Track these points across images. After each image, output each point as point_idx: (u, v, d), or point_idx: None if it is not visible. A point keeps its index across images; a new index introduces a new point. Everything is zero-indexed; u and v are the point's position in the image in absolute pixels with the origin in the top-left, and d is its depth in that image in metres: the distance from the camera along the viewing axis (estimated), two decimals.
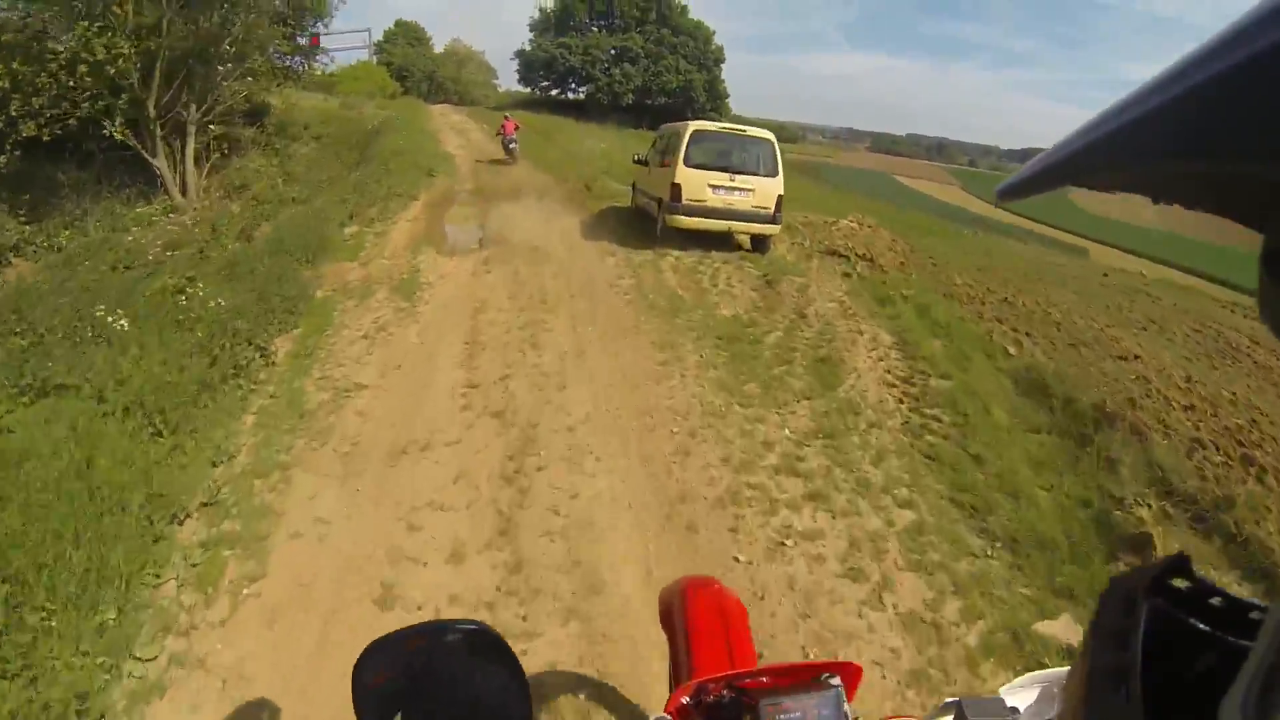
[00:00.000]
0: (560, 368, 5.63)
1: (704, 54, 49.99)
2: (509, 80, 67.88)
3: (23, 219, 10.22)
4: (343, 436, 4.55)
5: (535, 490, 4.03)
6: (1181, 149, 0.23)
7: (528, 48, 52.46)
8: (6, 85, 9.02)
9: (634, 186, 12.48)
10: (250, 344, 5.97)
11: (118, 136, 10.09)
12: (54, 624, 2.89)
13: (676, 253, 9.28)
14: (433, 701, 0.84)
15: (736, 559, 3.60)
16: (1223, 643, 0.41)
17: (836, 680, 0.99)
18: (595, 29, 50.24)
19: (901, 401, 5.48)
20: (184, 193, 11.69)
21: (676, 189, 9.24)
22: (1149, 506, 4.24)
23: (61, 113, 9.35)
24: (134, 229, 10.31)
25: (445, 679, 0.85)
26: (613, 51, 49.15)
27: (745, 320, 6.93)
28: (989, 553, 3.80)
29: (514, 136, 19.50)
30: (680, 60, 48.62)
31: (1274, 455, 5.03)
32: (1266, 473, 4.72)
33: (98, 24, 9.16)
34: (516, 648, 0.88)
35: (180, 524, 3.80)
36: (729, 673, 1.04)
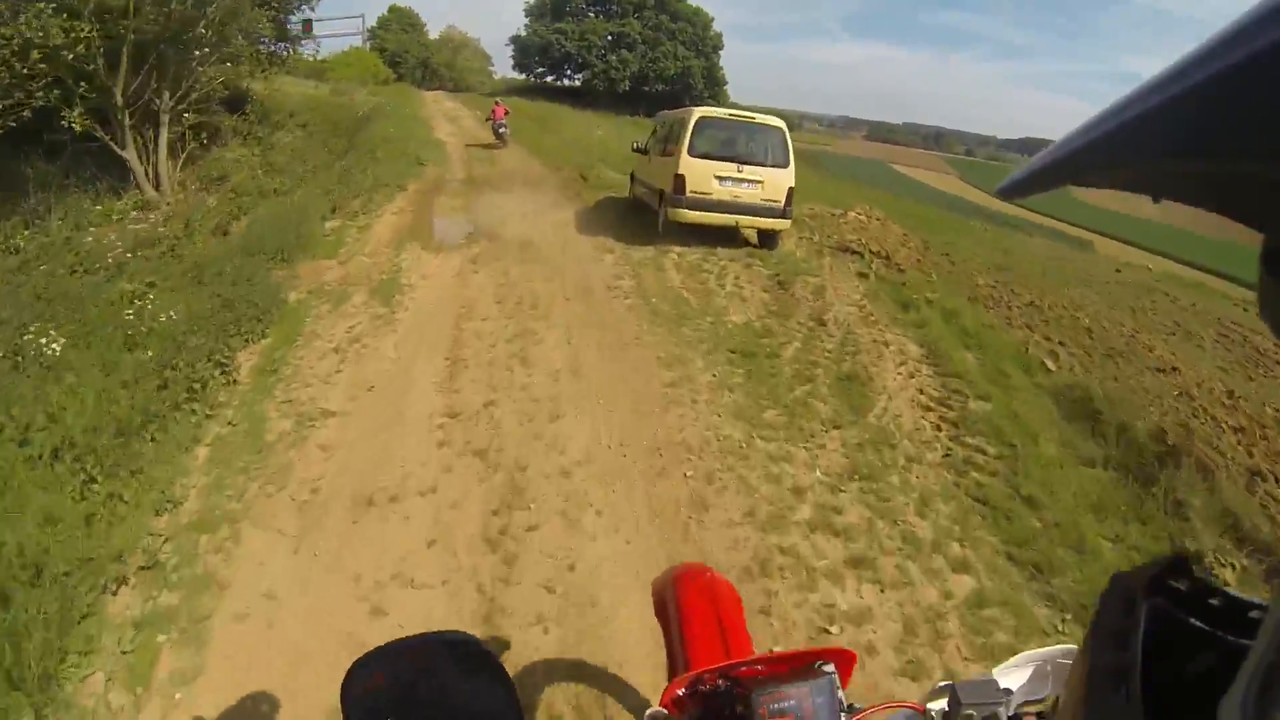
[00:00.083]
0: (553, 390, 4.99)
1: (702, 40, 49.06)
2: (504, 67, 67.04)
3: None
4: (302, 479, 3.94)
5: (525, 559, 3.38)
6: (1182, 148, 0.23)
7: (523, 33, 51.49)
8: None
9: (632, 176, 11.82)
10: (210, 359, 5.36)
11: (77, 127, 9.37)
12: None
13: (679, 249, 8.65)
14: (422, 713, 0.82)
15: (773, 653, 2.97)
16: (1223, 642, 0.42)
17: (830, 667, 0.99)
18: (592, 14, 49.24)
19: (939, 429, 4.87)
20: (157, 186, 10.97)
21: (680, 180, 8.59)
22: (1233, 567, 3.67)
23: (15, 103, 8.63)
24: (100, 226, 9.61)
25: (433, 692, 0.83)
26: (610, 37, 48.19)
27: (759, 329, 6.30)
28: (1059, 626, 3.20)
29: (504, 121, 19.66)
30: (679, 46, 47.70)
31: None
32: None
33: (52, 4, 8.44)
34: None
35: (114, 594, 3.20)
36: (724, 664, 1.04)
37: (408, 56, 54.96)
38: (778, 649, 2.78)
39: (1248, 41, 0.20)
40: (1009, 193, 0.34)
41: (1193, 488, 4.21)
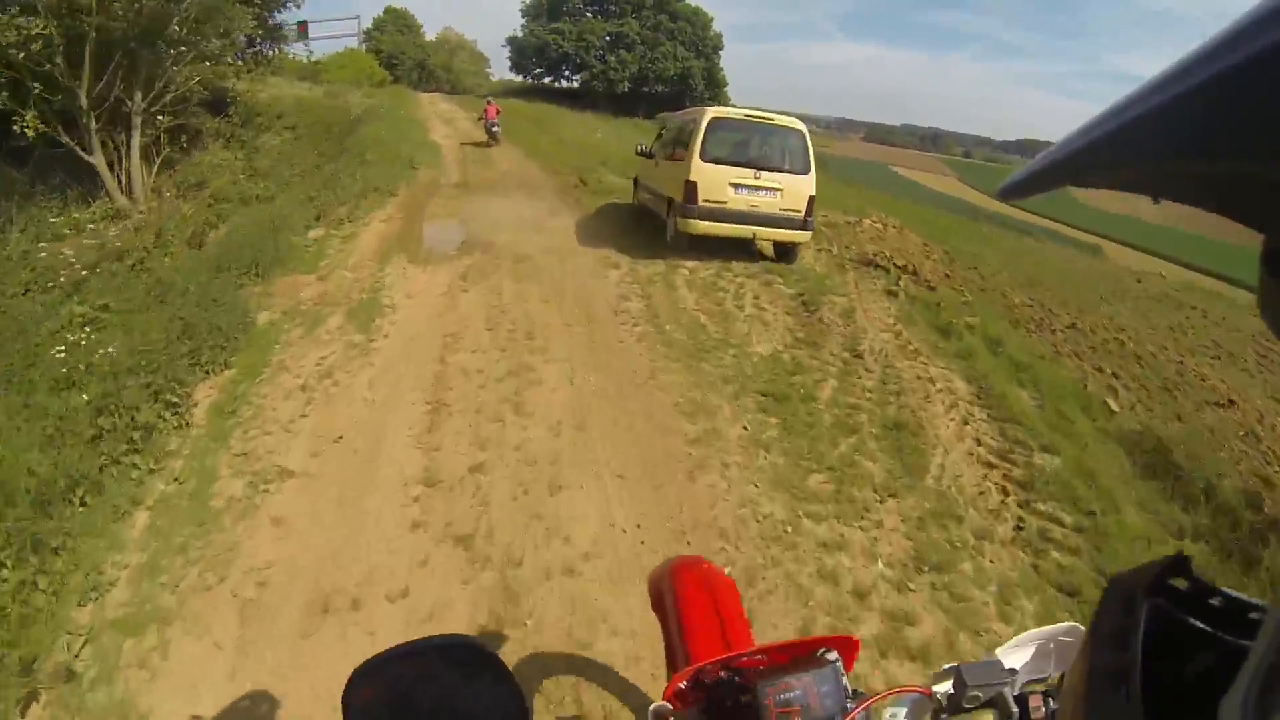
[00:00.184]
0: (553, 449, 4.18)
1: (702, 40, 48.27)
2: (501, 69, 66.43)
3: None
4: (248, 566, 3.21)
5: None
6: (1182, 148, 0.23)
7: (520, 34, 50.70)
8: None
9: (636, 182, 11.08)
10: (159, 399, 4.65)
11: (29, 133, 8.63)
12: None
13: (691, 264, 7.93)
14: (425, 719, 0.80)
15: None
16: (1223, 643, 0.42)
17: (834, 655, 0.98)
18: (589, 14, 48.43)
19: (1006, 492, 4.14)
20: (130, 193, 10.24)
21: (691, 188, 7.86)
22: None
23: None
24: (65, 239, 8.86)
25: (435, 698, 0.81)
26: (608, 38, 47.39)
27: (789, 363, 5.55)
28: None
29: (496, 120, 19.89)
30: (678, 47, 46.91)
31: None
32: None
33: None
34: None
35: (22, 713, 2.53)
36: (725, 655, 1.02)
37: (404, 58, 54.33)
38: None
39: (1248, 42, 0.20)
40: (1009, 193, 0.34)
41: None
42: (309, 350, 5.45)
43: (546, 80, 52.10)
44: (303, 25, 24.43)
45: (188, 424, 4.61)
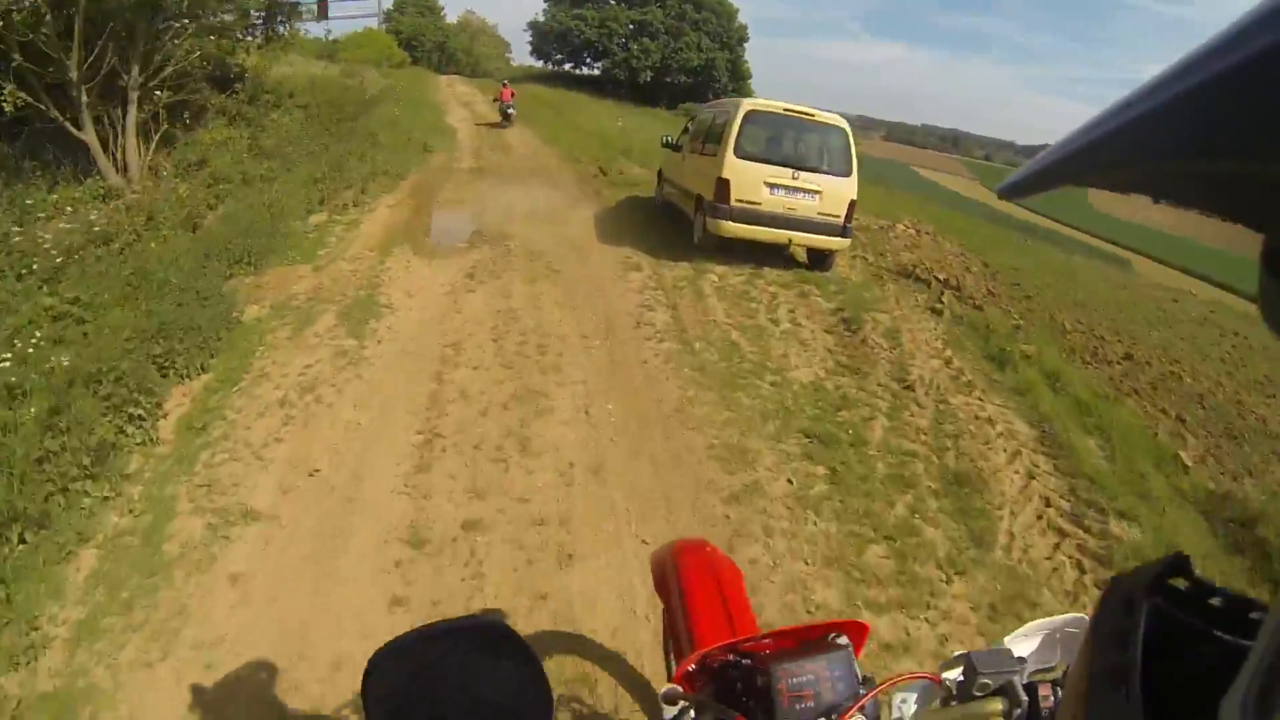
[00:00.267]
0: (564, 504, 3.49)
1: (727, 32, 47.34)
2: (522, 54, 65.75)
3: None
4: (197, 640, 2.62)
5: None
6: (1182, 149, 0.23)
7: (541, 19, 49.89)
8: None
9: (660, 175, 10.43)
10: (120, 412, 4.08)
11: (7, 107, 8.03)
12: None
13: (719, 268, 7.29)
14: (446, 703, 0.78)
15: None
16: (1223, 643, 0.42)
17: (845, 640, 0.98)
18: (613, 1, 47.59)
19: (1082, 569, 3.46)
20: (124, 171, 9.66)
21: (723, 186, 7.22)
22: None
23: None
24: (52, 219, 8.29)
25: (459, 679, 0.79)
26: (631, 26, 46.51)
27: (833, 393, 4.90)
28: None
29: (510, 103, 20.48)
30: (702, 37, 45.98)
31: None
32: None
33: None
34: None
35: None
36: (736, 639, 1.02)
37: (424, 40, 53.89)
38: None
39: (1248, 42, 0.20)
40: (1011, 193, 0.34)
41: None
42: (294, 356, 4.86)
43: (568, 67, 51.37)
44: (323, 3, 23.92)
45: (152, 440, 4.06)
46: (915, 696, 0.99)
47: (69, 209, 8.05)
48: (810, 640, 1.00)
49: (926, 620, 2.99)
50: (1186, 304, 14.28)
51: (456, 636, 0.83)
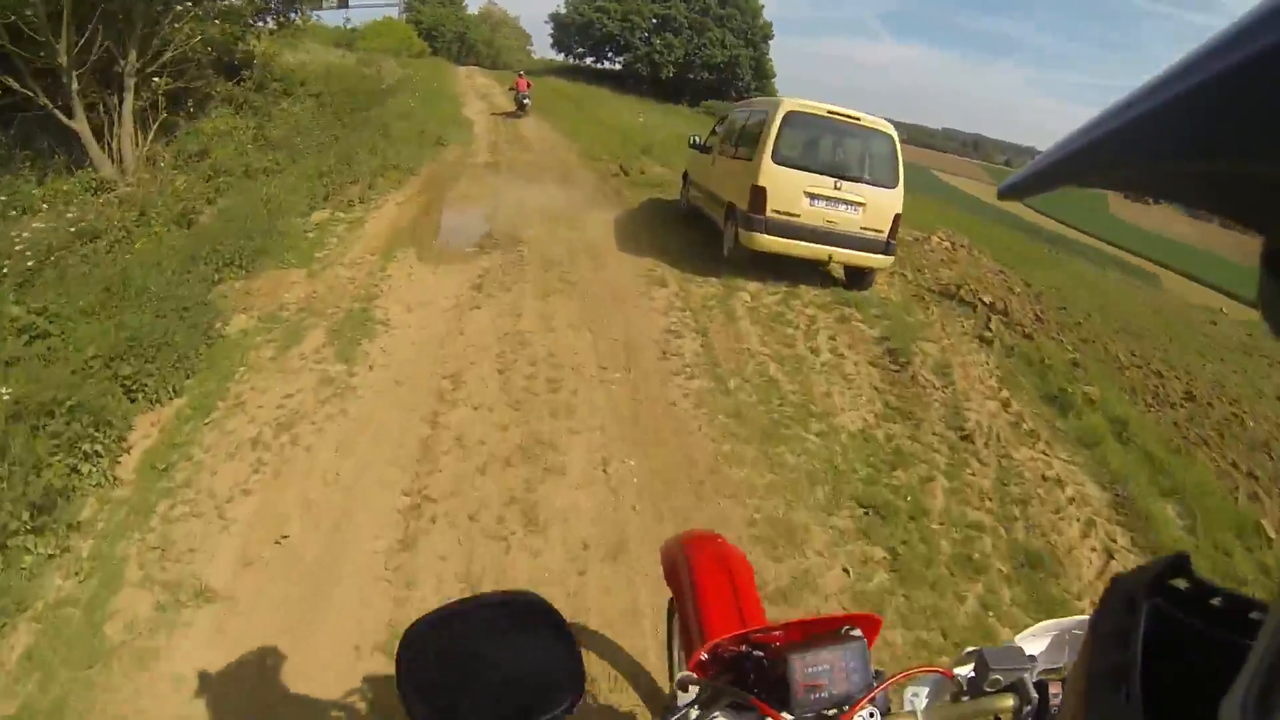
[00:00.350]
0: (576, 601, 2.83)
1: (751, 29, 46.40)
2: (543, 46, 65.17)
3: None
4: None
5: None
6: (1183, 149, 0.23)
7: (563, 10, 49.18)
8: None
9: (686, 178, 9.78)
10: (74, 450, 3.54)
11: None
12: None
13: (752, 285, 6.66)
14: (479, 678, 0.80)
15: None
16: (1223, 643, 0.41)
17: (859, 632, 0.98)
18: None
19: None
20: (119, 161, 9.13)
21: (758, 195, 6.57)
22: None
23: None
24: (39, 213, 7.75)
25: (493, 654, 0.81)
26: (654, 20, 45.71)
27: (886, 446, 4.25)
28: None
29: (526, 93, 20.74)
30: (727, 34, 45.12)
31: None
32: None
33: None
34: None
35: None
36: (751, 629, 1.02)
37: (444, 30, 53.46)
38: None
39: (1248, 42, 0.20)
40: (1011, 193, 0.34)
41: None
42: (275, 382, 4.30)
43: (589, 60, 50.65)
44: None
45: (110, 480, 3.53)
46: (927, 691, 0.99)
47: (44, 205, 7.51)
48: (822, 632, 0.99)
49: None
50: (1224, 327, 13.72)
51: (492, 610, 0.86)
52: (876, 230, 6.70)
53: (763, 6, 46.64)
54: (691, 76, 45.13)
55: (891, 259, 6.96)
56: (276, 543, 2.99)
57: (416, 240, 7.44)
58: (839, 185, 6.60)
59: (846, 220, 6.64)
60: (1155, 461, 4.72)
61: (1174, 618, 0.43)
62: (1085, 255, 25.01)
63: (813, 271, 7.06)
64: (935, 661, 2.36)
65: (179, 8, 9.37)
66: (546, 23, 50.74)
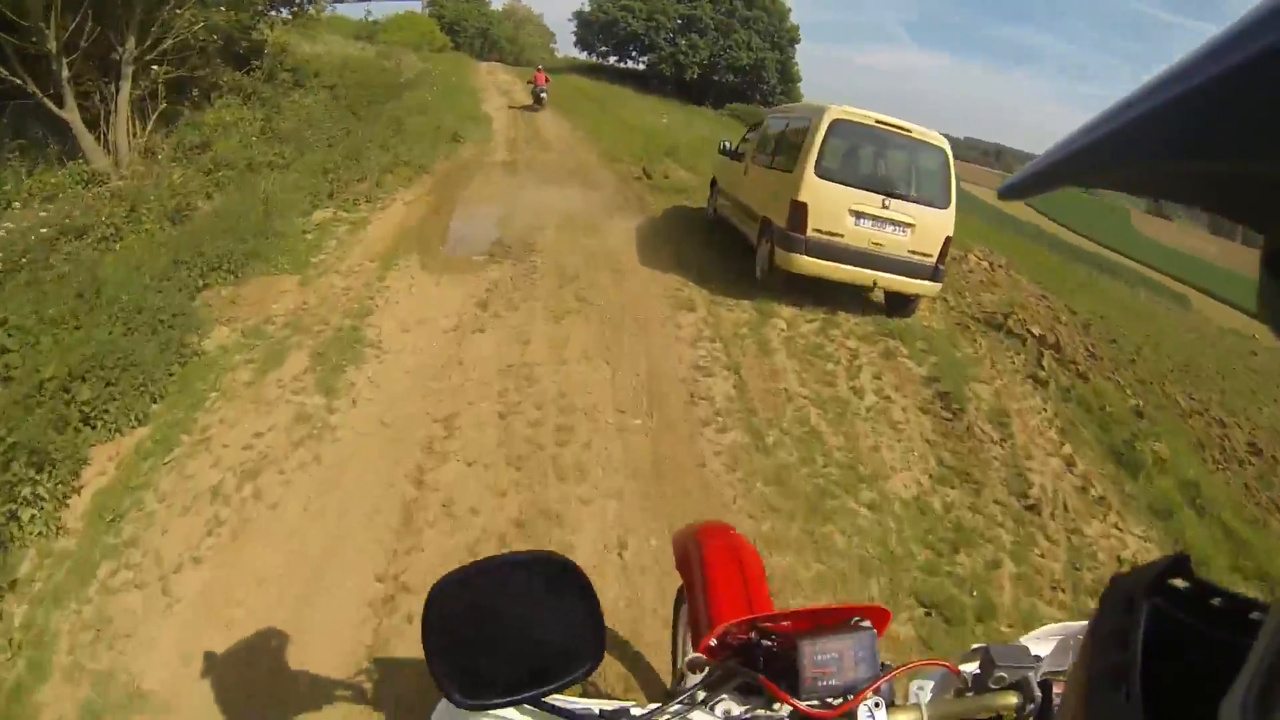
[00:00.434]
0: None
1: (778, 32, 45.67)
2: (567, 44, 64.77)
3: None
4: None
5: None
6: (1183, 149, 0.23)
7: (587, 8, 48.64)
8: None
9: (714, 186, 9.17)
10: (13, 493, 3.02)
11: None
12: None
13: (787, 311, 6.06)
14: (501, 637, 0.79)
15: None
16: (1223, 643, 0.40)
17: (868, 623, 0.98)
18: None
19: None
20: (114, 153, 8.64)
21: (799, 211, 5.95)
22: None
23: None
24: (25, 207, 7.26)
25: (518, 612, 0.81)
26: (680, 20, 45.09)
27: (944, 520, 3.64)
28: None
29: (544, 87, 21.07)
30: (753, 36, 44.44)
31: None
32: None
33: None
34: None
35: None
36: (760, 614, 1.01)
37: (467, 25, 53.09)
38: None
39: (1247, 43, 0.20)
40: (1011, 193, 0.33)
41: None
42: (247, 415, 3.76)
43: (612, 59, 50.09)
44: None
45: (54, 529, 3.02)
46: (932, 684, 1.00)
47: (39, 198, 7.02)
48: (831, 622, 0.97)
49: None
50: (1264, 358, 13.03)
51: (518, 569, 0.83)
52: (925, 254, 6.08)
53: (790, 10, 45.92)
54: (716, 78, 44.47)
55: (939, 285, 6.34)
56: (226, 626, 2.46)
57: (421, 245, 6.91)
58: (887, 203, 5.97)
59: (894, 242, 6.03)
60: (1233, 535, 4.16)
61: (1174, 618, 0.42)
62: (1113, 272, 24.42)
63: (852, 295, 6.43)
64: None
65: None
66: (570, 20, 50.22)
